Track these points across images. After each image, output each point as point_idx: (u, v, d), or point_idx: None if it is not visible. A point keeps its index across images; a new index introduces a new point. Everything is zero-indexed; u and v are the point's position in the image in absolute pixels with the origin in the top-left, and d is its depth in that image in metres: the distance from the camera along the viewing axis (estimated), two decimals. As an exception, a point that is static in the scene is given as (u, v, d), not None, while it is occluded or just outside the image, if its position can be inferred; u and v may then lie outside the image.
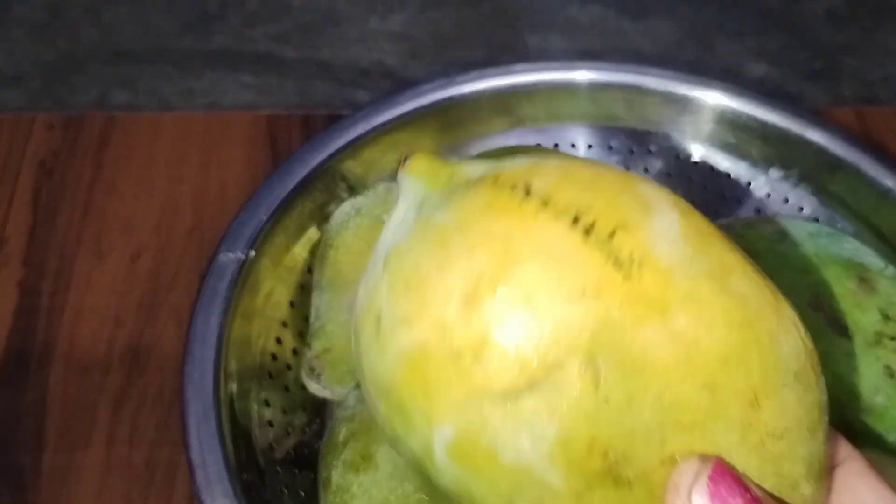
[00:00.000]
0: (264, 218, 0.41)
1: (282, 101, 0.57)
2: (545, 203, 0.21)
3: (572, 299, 0.20)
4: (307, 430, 0.40)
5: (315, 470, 0.38)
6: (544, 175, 0.22)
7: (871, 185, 0.44)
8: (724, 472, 0.19)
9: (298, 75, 0.59)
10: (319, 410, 0.42)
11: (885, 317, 0.38)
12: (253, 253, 0.40)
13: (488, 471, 0.20)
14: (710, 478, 0.19)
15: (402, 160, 0.26)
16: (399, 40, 0.60)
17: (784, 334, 0.22)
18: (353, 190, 0.44)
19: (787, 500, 0.20)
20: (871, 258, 0.41)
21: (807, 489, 0.21)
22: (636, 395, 0.19)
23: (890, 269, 0.40)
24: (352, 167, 0.45)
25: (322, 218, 0.44)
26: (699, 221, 0.23)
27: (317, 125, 0.54)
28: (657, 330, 0.20)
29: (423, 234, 0.23)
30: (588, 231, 0.21)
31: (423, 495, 0.34)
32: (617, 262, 0.20)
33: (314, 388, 0.39)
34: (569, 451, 0.19)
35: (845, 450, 0.24)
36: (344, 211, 0.42)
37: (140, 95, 0.57)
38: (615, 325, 0.19)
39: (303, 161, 0.43)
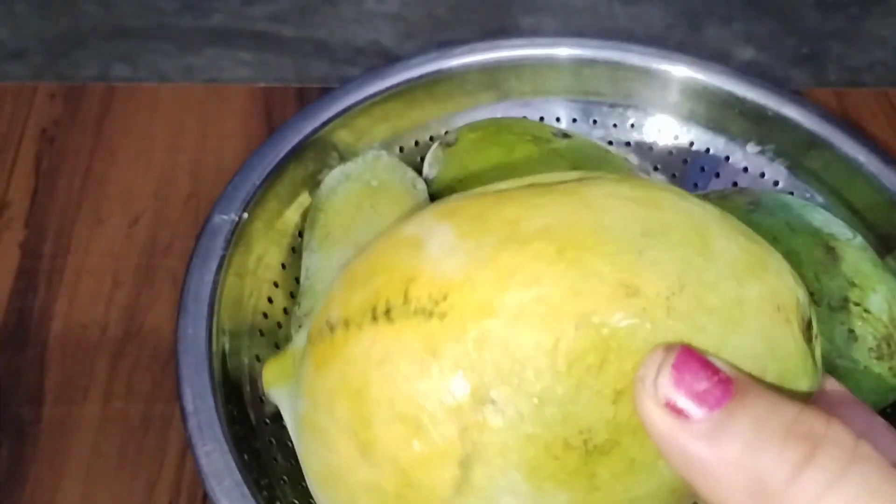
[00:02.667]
0: (257, 182, 0.42)
1: (279, 79, 0.59)
2: (346, 325, 0.22)
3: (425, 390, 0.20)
4: (296, 385, 0.42)
5: (303, 423, 0.40)
6: (333, 302, 0.24)
7: (845, 160, 0.45)
8: (688, 358, 0.19)
9: (295, 53, 0.60)
10: (308, 367, 0.43)
11: (851, 283, 0.40)
12: (246, 215, 0.41)
13: None
14: (674, 366, 0.19)
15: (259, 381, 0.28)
16: (395, 21, 0.61)
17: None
18: (344, 158, 0.46)
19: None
20: (839, 228, 0.42)
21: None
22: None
23: (857, 239, 0.42)
24: (343, 136, 0.46)
25: (314, 184, 0.45)
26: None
27: (311, 98, 0.55)
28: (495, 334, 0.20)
29: (300, 431, 0.25)
30: (387, 314, 0.21)
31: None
32: (426, 314, 0.21)
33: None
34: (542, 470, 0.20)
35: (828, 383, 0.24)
36: (334, 177, 0.44)
37: (140, 71, 0.59)
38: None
39: (296, 129, 0.44)
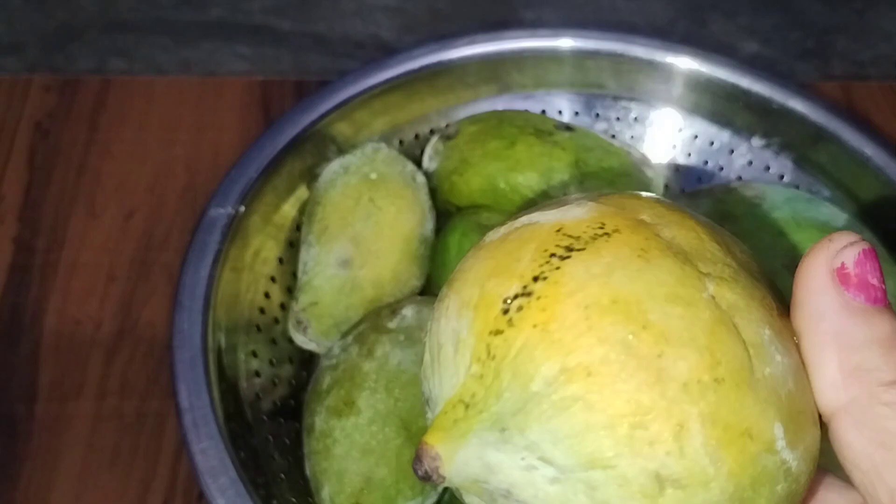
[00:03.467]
0: (254, 175, 0.42)
1: (277, 73, 0.58)
2: (543, 278, 0.20)
3: None
4: (293, 381, 0.41)
5: (301, 420, 0.39)
6: (488, 297, 0.20)
7: (851, 154, 0.45)
8: (873, 256, 0.19)
9: (294, 47, 0.59)
10: (306, 363, 0.43)
11: (859, 278, 0.39)
12: (243, 208, 0.41)
13: None
14: (863, 251, 0.19)
15: (422, 469, 0.19)
16: (394, 14, 0.60)
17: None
18: (343, 151, 0.45)
19: None
20: (845, 222, 0.42)
21: None
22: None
23: (864, 234, 0.41)
24: (342, 129, 0.45)
25: (311, 178, 0.44)
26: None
27: (310, 91, 0.55)
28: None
29: None
30: (564, 254, 0.20)
31: (403, 440, 0.35)
32: (603, 236, 0.20)
33: (300, 340, 0.40)
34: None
35: None
36: (332, 169, 0.43)
37: (136, 65, 0.58)
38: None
39: (293, 122, 0.44)
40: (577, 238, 0.20)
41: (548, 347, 0.19)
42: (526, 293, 0.19)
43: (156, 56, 0.58)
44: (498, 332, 0.19)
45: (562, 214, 0.21)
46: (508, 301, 0.20)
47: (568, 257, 0.20)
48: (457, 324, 0.20)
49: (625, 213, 0.21)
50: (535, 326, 0.19)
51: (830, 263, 0.19)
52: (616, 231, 0.20)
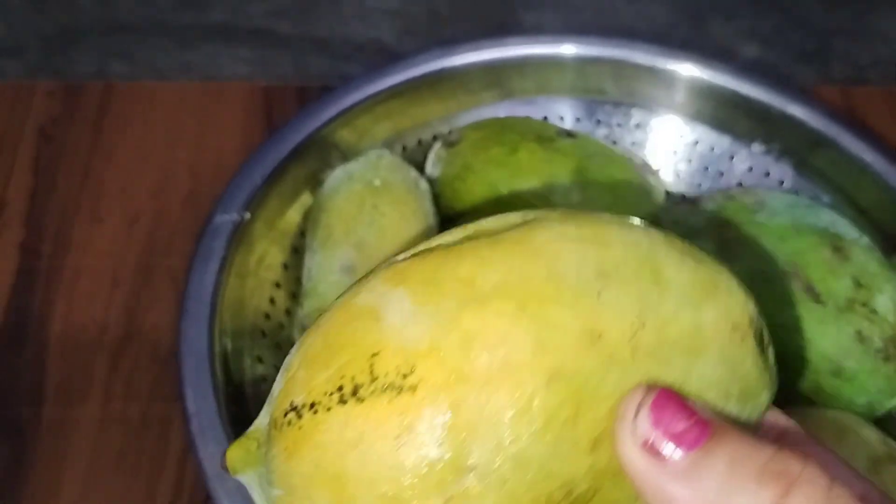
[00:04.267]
0: (259, 182, 0.42)
1: (278, 76, 0.58)
2: (313, 408, 0.21)
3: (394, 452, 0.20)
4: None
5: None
6: (295, 382, 0.22)
7: (851, 160, 0.45)
8: (668, 399, 0.20)
9: (294, 50, 0.59)
10: (310, 368, 0.43)
11: (858, 284, 0.39)
12: (248, 215, 0.41)
13: None
14: (652, 406, 0.19)
15: (221, 461, 0.25)
16: (395, 17, 0.61)
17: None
18: (346, 157, 0.45)
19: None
20: (846, 228, 0.42)
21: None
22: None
23: (864, 239, 0.42)
24: (345, 135, 0.46)
25: (315, 183, 0.45)
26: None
27: (312, 97, 0.55)
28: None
29: None
30: (355, 393, 0.21)
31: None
32: (396, 389, 0.20)
33: (305, 345, 0.41)
34: None
35: (783, 420, 0.24)
36: (336, 176, 0.43)
37: (137, 68, 0.58)
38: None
39: (297, 129, 0.44)
40: (372, 381, 0.21)
41: (279, 476, 0.22)
42: (298, 414, 0.21)
43: (156, 59, 0.58)
44: (273, 425, 0.22)
45: (400, 318, 0.21)
46: (289, 407, 0.22)
47: (343, 403, 0.21)
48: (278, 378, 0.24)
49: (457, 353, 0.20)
50: (284, 449, 0.22)
51: (636, 441, 0.19)
52: (412, 389, 0.20)
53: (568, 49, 0.48)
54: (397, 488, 0.20)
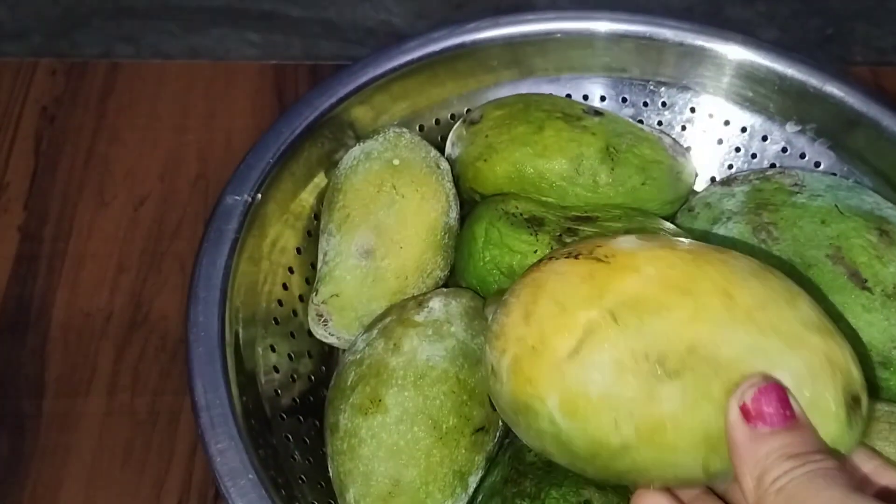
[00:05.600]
0: (272, 161, 0.40)
1: (287, 59, 0.56)
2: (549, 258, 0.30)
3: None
4: (312, 377, 0.40)
5: (320, 417, 0.37)
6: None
7: (891, 139, 0.43)
8: (771, 389, 0.25)
9: (304, 34, 0.57)
10: (325, 358, 0.41)
11: (906, 269, 0.37)
12: (259, 196, 0.39)
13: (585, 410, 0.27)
14: (759, 389, 0.25)
15: None
16: (407, 0, 0.58)
17: (733, 258, 0.29)
18: (361, 138, 0.43)
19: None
20: (891, 211, 0.40)
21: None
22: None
23: (908, 222, 0.40)
24: (360, 113, 0.44)
25: (330, 165, 0.43)
26: None
27: (324, 75, 0.53)
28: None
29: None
30: (577, 257, 0.29)
31: (433, 440, 0.33)
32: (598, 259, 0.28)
33: (320, 333, 0.39)
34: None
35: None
36: (353, 155, 0.41)
37: (142, 52, 0.56)
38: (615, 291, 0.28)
39: (311, 105, 0.42)
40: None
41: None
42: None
43: (163, 43, 0.56)
44: None
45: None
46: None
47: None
48: None
49: None
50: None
51: (738, 402, 0.26)
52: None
53: (592, 25, 0.46)
54: (565, 299, 0.28)
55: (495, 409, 0.35)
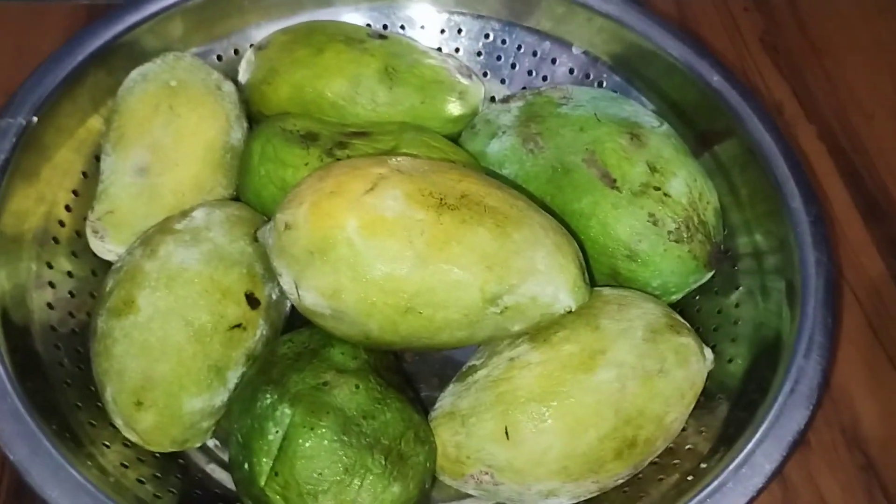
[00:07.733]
0: (50, 87, 0.40)
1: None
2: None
3: None
4: (95, 294, 0.41)
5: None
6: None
7: (660, 55, 0.45)
8: None
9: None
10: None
11: (653, 169, 0.40)
12: (35, 119, 0.39)
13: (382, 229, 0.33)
14: None
15: None
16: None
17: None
18: (150, 65, 0.44)
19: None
20: (647, 118, 0.42)
21: None
22: None
23: (663, 127, 0.42)
24: (151, 42, 0.44)
25: (119, 91, 0.43)
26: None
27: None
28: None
29: None
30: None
31: (186, 336, 0.34)
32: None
33: (98, 248, 0.40)
34: None
35: None
36: (131, 78, 0.42)
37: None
38: None
39: (96, 34, 0.43)
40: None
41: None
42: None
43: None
44: None
45: None
46: None
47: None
48: None
49: None
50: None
51: None
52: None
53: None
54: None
55: (254, 308, 0.36)
